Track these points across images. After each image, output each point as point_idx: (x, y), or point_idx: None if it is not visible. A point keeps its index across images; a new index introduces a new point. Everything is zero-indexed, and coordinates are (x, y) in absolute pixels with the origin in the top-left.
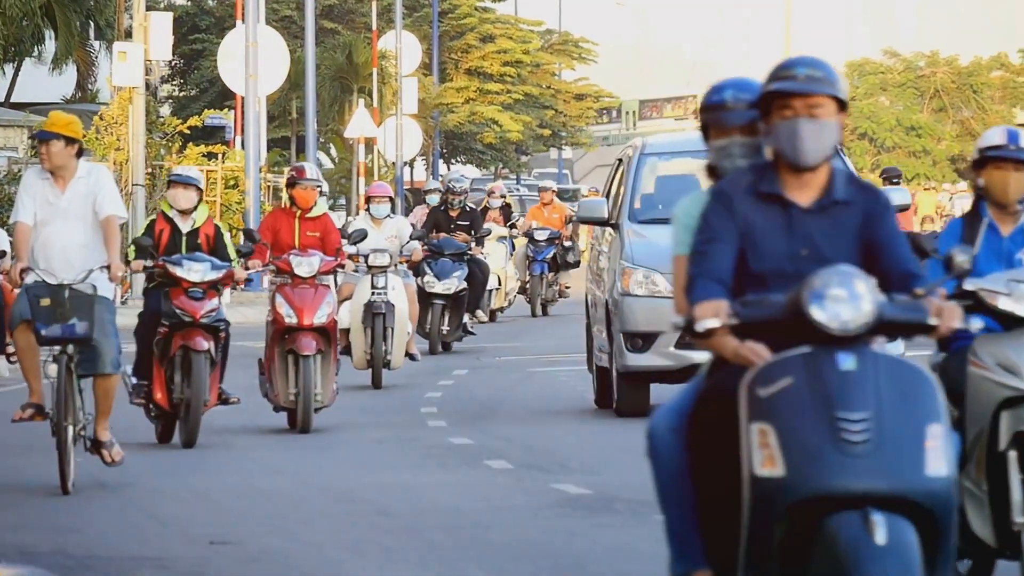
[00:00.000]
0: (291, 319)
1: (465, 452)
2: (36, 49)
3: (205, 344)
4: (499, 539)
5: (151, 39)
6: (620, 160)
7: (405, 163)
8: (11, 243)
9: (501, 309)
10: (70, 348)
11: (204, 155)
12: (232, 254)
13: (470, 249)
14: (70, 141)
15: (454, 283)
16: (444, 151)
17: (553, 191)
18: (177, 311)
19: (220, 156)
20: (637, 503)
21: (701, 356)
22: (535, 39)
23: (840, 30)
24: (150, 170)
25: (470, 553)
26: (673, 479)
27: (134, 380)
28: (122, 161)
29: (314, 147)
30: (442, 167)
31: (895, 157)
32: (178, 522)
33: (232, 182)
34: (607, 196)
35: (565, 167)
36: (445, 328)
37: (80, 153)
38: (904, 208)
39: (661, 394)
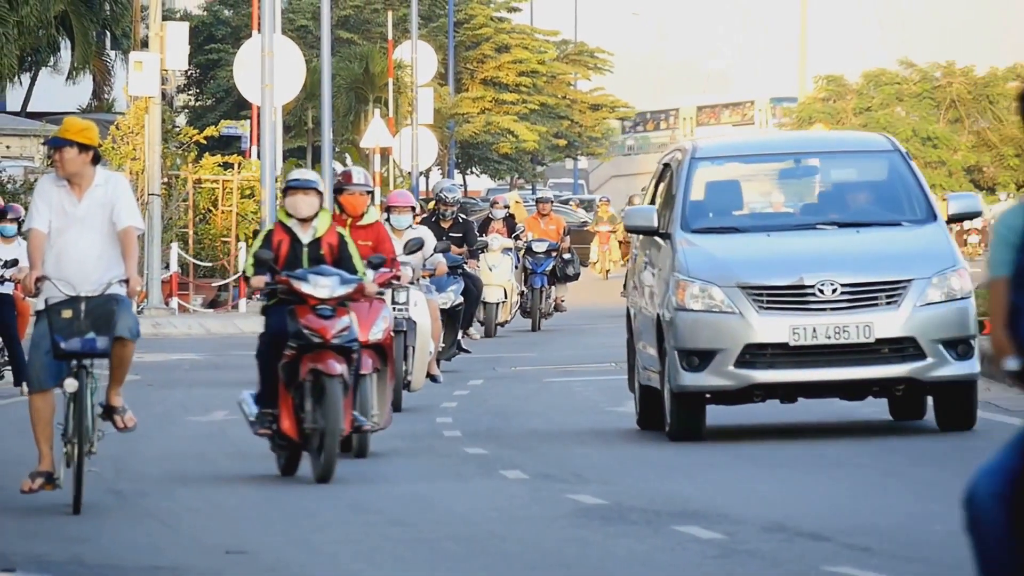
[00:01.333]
0: None
1: (480, 462)
2: (52, 59)
3: (338, 368)
4: (514, 549)
5: (167, 49)
6: (666, 165)
7: (421, 173)
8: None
9: (505, 323)
10: (87, 363)
11: (220, 165)
12: (359, 266)
13: (465, 262)
14: (84, 148)
15: (450, 297)
16: (459, 161)
17: (551, 202)
18: (305, 331)
19: (236, 166)
20: (652, 513)
21: (764, 376)
22: (551, 49)
23: (856, 40)
24: (166, 180)
25: (484, 563)
26: (999, 556)
27: (255, 409)
28: (138, 171)
29: (330, 157)
30: (457, 177)
31: None
32: (193, 532)
33: (248, 192)
34: (651, 203)
35: (580, 177)
36: (440, 345)
37: (96, 160)
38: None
39: (718, 416)
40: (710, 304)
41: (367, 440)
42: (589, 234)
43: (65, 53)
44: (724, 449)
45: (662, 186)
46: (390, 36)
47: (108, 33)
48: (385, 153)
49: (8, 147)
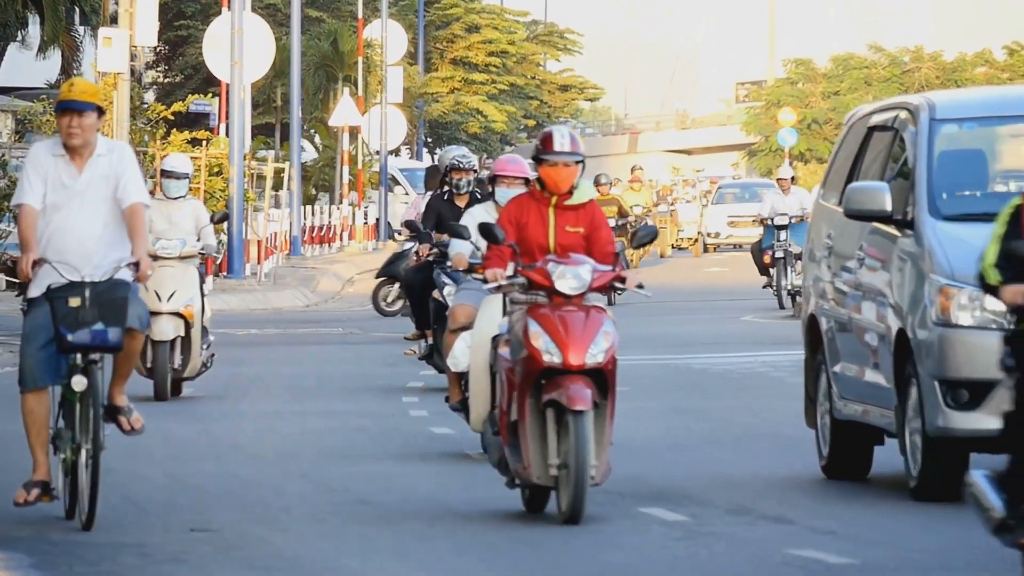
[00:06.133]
0: (553, 357)
1: (446, 442)
2: (21, 34)
3: None
4: (478, 529)
5: (136, 25)
6: (876, 128)
7: (389, 152)
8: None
9: None
10: (95, 357)
11: (188, 142)
12: None
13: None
14: (101, 111)
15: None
16: (428, 140)
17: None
18: None
19: (204, 143)
20: (617, 495)
21: None
22: (520, 29)
23: (825, 24)
24: None
25: (450, 542)
26: None
27: (1002, 504)
28: None
29: (298, 135)
30: (426, 157)
31: None
32: (158, 509)
33: (216, 169)
34: (848, 179)
35: None
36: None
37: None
38: None
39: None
40: (985, 319)
41: (584, 498)
42: None
43: (34, 28)
44: (687, 431)
45: (875, 156)
46: (360, 15)
47: (77, 8)
48: (354, 132)
49: None
